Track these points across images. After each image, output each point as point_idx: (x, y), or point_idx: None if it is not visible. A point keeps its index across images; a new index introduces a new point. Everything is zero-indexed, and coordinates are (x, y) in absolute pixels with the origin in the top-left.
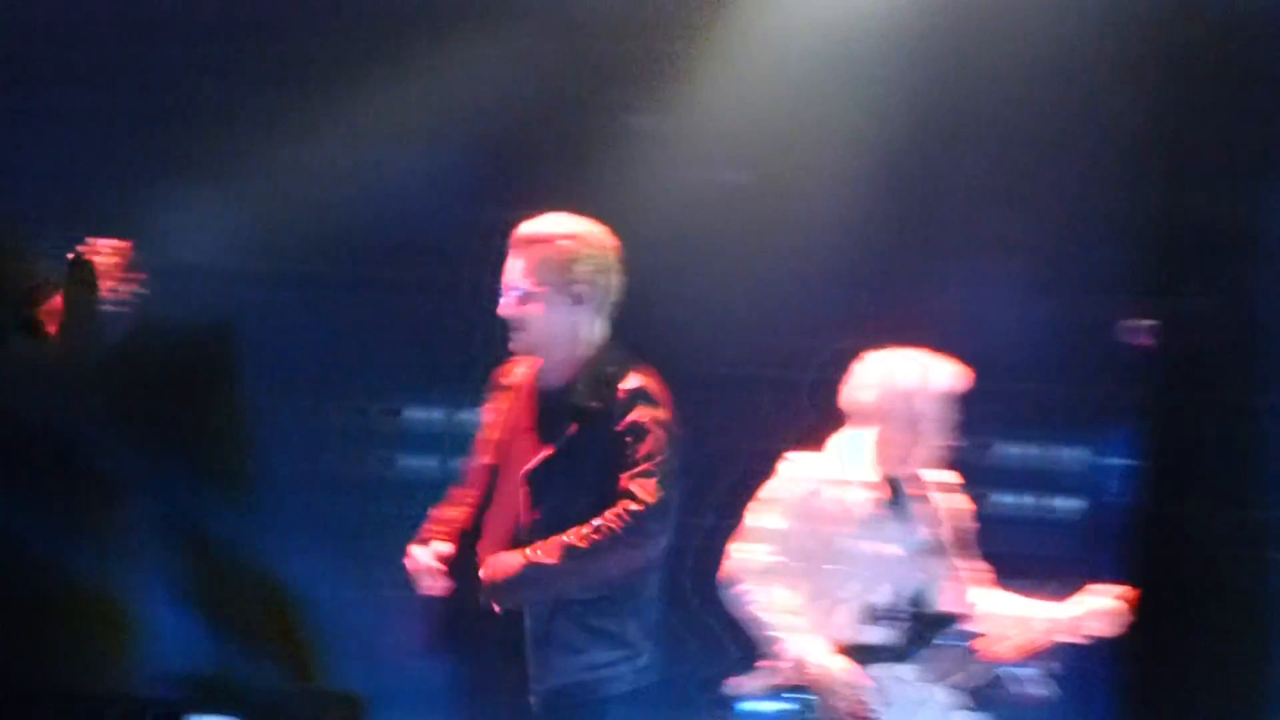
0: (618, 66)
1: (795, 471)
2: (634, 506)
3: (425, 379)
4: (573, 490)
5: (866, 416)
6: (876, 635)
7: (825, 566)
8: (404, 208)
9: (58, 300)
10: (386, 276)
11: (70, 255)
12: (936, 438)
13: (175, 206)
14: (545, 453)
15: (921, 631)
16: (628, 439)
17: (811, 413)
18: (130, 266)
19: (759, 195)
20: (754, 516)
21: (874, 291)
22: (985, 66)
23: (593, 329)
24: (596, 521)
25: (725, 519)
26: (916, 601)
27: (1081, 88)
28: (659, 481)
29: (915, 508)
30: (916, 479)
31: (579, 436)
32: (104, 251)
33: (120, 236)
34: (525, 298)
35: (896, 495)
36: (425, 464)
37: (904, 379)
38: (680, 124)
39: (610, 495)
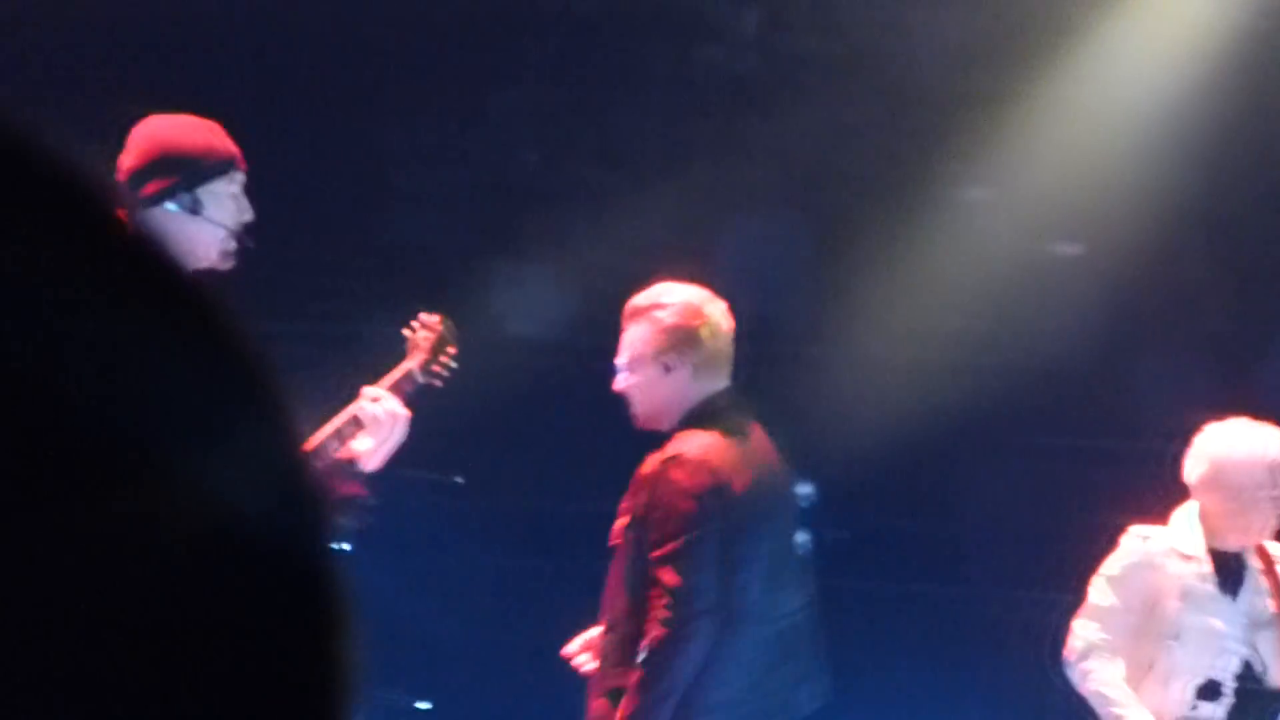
0: (947, 138)
1: (1131, 545)
2: (666, 601)
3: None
4: (632, 560)
5: (1200, 488)
6: (1213, 711)
7: (1161, 641)
8: (736, 282)
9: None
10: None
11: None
12: (1271, 509)
13: (505, 280)
14: (617, 523)
15: (1261, 707)
16: (654, 514)
17: (1155, 485)
18: (449, 340)
19: (1090, 266)
20: (1094, 592)
21: (1213, 361)
22: None
23: (687, 397)
24: (644, 642)
25: (1063, 592)
26: (1254, 677)
27: None
28: (684, 562)
29: (1252, 580)
30: (1253, 551)
31: (633, 506)
32: (425, 325)
33: (446, 311)
34: (624, 370)
35: (1231, 568)
36: None
37: (1234, 450)
38: (1010, 195)
39: (650, 575)
